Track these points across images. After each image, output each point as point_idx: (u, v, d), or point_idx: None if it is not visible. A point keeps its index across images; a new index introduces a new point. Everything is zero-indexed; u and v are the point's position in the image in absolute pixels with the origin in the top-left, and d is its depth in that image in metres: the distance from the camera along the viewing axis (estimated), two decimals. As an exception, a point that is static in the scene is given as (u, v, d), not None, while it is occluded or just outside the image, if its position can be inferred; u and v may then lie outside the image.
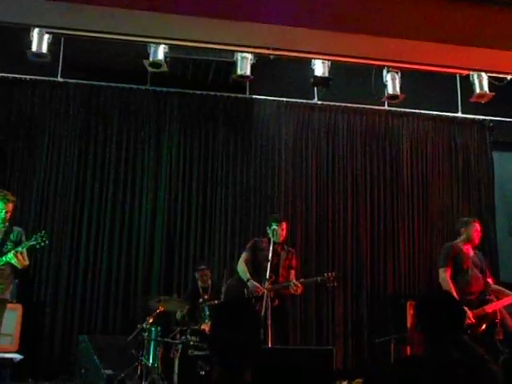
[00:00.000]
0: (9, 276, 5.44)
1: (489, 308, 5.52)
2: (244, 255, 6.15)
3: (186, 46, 6.28)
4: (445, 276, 5.63)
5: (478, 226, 5.88)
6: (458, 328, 2.49)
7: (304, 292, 6.21)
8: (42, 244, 5.42)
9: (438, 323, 2.43)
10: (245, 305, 2.96)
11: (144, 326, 5.90)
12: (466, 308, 5.29)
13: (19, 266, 5.35)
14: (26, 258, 5.39)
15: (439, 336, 2.39)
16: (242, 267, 6.03)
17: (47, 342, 7.17)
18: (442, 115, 8.70)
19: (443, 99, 8.64)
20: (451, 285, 5.54)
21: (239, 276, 6.00)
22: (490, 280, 5.79)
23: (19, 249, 5.32)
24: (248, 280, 5.83)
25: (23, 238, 5.52)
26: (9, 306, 6.06)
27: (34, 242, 5.37)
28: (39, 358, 7.02)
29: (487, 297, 5.62)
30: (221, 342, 2.27)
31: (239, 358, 2.22)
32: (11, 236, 5.46)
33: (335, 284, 6.04)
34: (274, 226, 5.98)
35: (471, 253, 5.81)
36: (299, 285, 5.88)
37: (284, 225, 6.12)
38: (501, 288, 5.86)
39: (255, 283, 5.75)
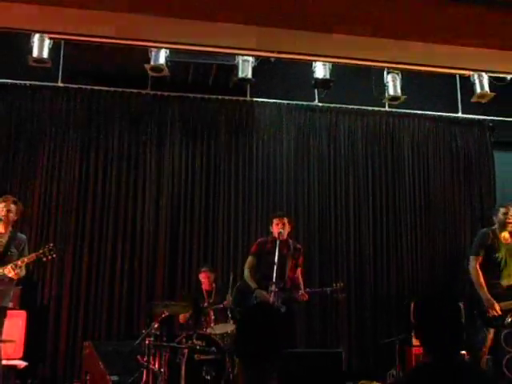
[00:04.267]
0: (8, 283, 5.32)
1: None
2: (249, 260, 6.15)
3: (188, 50, 6.30)
4: (474, 265, 5.64)
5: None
6: (456, 332, 2.45)
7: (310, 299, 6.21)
8: (50, 257, 5.32)
9: (433, 329, 2.42)
10: (273, 309, 2.96)
11: (149, 331, 5.88)
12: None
13: (15, 279, 5.28)
14: (23, 268, 5.28)
15: (435, 341, 2.38)
16: (246, 273, 6.04)
17: (51, 348, 7.14)
18: (442, 116, 8.71)
19: (444, 100, 8.66)
20: (480, 275, 5.55)
21: (246, 283, 6.00)
22: None
23: (19, 263, 5.13)
24: (255, 289, 5.82)
25: (26, 247, 5.46)
26: (12, 312, 6.06)
27: (41, 255, 5.27)
28: (44, 365, 7.00)
29: None
30: (249, 347, 2.26)
31: (267, 362, 2.22)
32: (14, 243, 5.37)
33: (344, 295, 6.04)
34: (276, 222, 5.99)
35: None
36: (306, 295, 5.89)
37: (285, 220, 6.12)
38: None
39: (263, 293, 5.74)
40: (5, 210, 5.35)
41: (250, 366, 2.30)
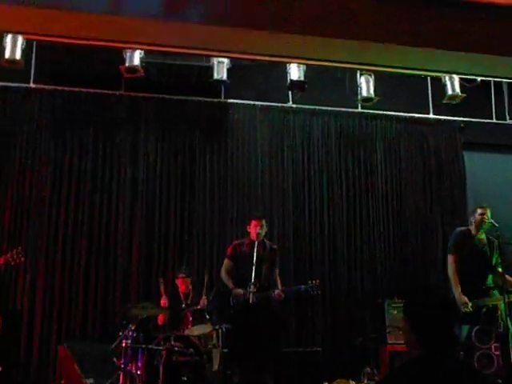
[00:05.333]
0: None
1: None
2: (225, 263, 6.18)
3: (162, 51, 6.30)
4: (450, 263, 5.76)
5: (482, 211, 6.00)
6: (450, 327, 2.51)
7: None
8: (18, 261, 5.33)
9: (430, 323, 2.45)
10: (265, 311, 2.98)
11: (126, 333, 5.85)
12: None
13: None
14: None
15: (434, 336, 2.41)
16: (223, 275, 6.08)
17: (25, 352, 7.06)
18: (414, 117, 8.84)
19: (415, 101, 8.80)
20: (455, 273, 5.68)
21: (224, 284, 6.03)
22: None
23: None
24: (232, 289, 5.85)
25: None
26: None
27: (9, 259, 5.27)
28: (18, 369, 6.92)
29: None
30: (243, 348, 2.29)
31: (261, 362, 2.24)
32: None
33: (319, 292, 6.11)
34: (254, 224, 6.03)
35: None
36: (281, 293, 5.95)
37: (263, 222, 6.16)
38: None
39: (238, 290, 5.77)
40: None
41: (241, 366, 2.33)
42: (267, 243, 6.20)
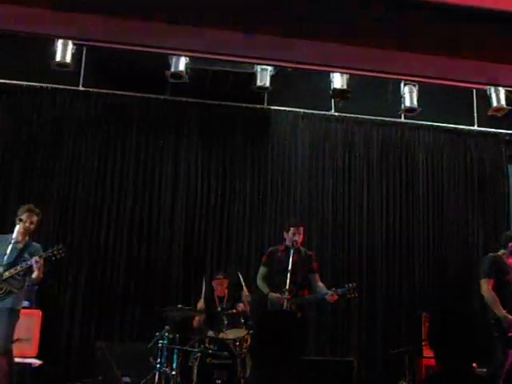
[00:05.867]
0: (22, 287, 5.52)
1: None
2: (261, 270, 6.20)
3: (207, 57, 6.39)
4: (487, 287, 5.66)
5: None
6: (469, 345, 2.47)
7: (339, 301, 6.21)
8: (58, 257, 5.52)
9: (447, 341, 2.43)
10: (290, 316, 3.01)
11: (162, 333, 5.95)
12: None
13: (34, 276, 5.43)
14: (42, 269, 5.48)
15: (448, 353, 2.40)
16: (259, 282, 6.10)
17: (65, 347, 7.25)
18: (458, 128, 8.72)
19: (459, 112, 8.67)
20: (494, 295, 5.57)
21: (260, 291, 6.06)
22: None
23: (36, 257, 5.39)
24: (268, 293, 5.88)
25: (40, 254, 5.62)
26: (29, 311, 6.21)
27: (49, 254, 5.46)
28: (58, 364, 7.09)
29: None
30: (266, 350, 2.32)
31: (280, 368, 2.27)
32: (29, 250, 5.55)
33: (356, 295, 6.06)
34: (292, 231, 6.04)
35: None
36: (335, 295, 5.90)
37: (301, 230, 6.16)
38: None
39: (275, 294, 5.78)
40: (28, 221, 5.54)
41: (260, 370, 2.36)
42: (302, 250, 6.20)
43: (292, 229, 6.09)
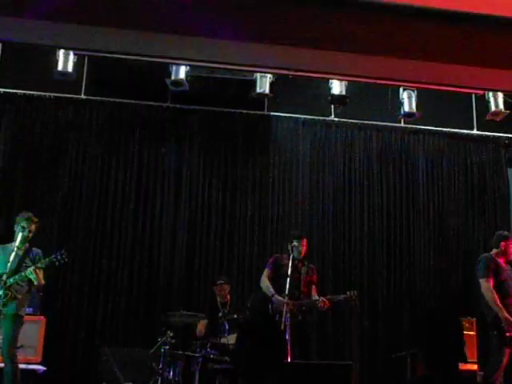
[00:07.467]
0: (26, 294, 5.67)
1: None
2: (266, 271, 6.28)
3: (207, 66, 6.47)
4: (488, 286, 5.69)
5: None
6: (454, 346, 2.51)
7: (330, 308, 6.28)
8: (62, 261, 5.63)
9: (432, 343, 2.48)
10: (269, 321, 3.07)
11: (165, 339, 6.01)
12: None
13: (35, 283, 5.55)
14: (42, 276, 5.61)
15: (433, 355, 2.45)
16: (265, 283, 6.16)
17: (70, 354, 7.31)
18: (457, 132, 8.76)
19: (459, 116, 8.71)
20: (495, 294, 5.60)
21: (263, 292, 6.12)
22: None
23: (39, 265, 5.56)
24: (273, 295, 5.95)
25: (41, 260, 5.72)
26: (32, 318, 6.31)
27: (53, 259, 5.57)
28: (62, 370, 7.15)
29: None
30: (245, 356, 2.38)
31: (262, 372, 2.33)
32: (30, 256, 5.70)
33: (357, 303, 6.14)
34: (295, 243, 6.13)
35: (506, 266, 5.89)
36: (326, 301, 5.99)
37: (304, 241, 6.27)
38: None
39: (280, 298, 5.85)
40: (27, 230, 5.69)
41: (243, 375, 2.42)
42: (306, 262, 6.33)
43: (295, 240, 6.19)
